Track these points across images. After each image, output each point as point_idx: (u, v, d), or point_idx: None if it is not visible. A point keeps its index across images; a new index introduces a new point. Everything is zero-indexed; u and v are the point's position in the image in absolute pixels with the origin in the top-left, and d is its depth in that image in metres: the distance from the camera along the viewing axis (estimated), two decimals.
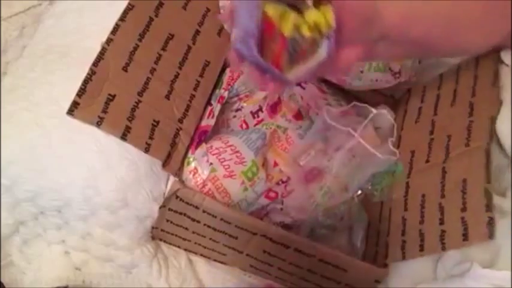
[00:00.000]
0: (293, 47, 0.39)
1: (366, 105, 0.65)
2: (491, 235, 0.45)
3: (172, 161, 0.57)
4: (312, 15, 0.38)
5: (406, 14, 0.45)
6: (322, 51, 0.39)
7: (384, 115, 0.67)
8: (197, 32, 0.64)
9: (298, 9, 0.39)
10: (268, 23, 0.37)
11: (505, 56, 0.55)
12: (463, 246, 0.48)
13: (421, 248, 0.52)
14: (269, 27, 0.37)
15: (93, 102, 0.53)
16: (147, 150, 0.55)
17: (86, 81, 0.53)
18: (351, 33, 0.40)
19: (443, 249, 0.49)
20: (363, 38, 0.42)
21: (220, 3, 0.67)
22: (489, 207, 0.47)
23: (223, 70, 0.67)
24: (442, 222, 0.51)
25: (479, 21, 0.49)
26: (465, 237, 0.47)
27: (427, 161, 0.59)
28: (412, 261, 0.55)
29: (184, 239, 0.64)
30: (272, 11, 0.37)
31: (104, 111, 0.53)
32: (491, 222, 0.46)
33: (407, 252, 0.55)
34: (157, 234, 0.63)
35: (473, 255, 0.48)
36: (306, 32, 0.38)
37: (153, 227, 0.61)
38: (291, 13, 0.38)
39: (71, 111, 0.52)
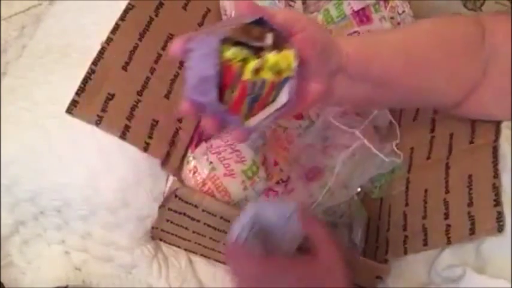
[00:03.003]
0: (253, 93, 0.36)
1: None
2: (500, 229, 0.45)
3: (171, 160, 0.57)
4: (274, 58, 0.36)
5: (362, 49, 0.44)
6: (282, 97, 0.38)
7: (383, 115, 0.66)
8: None
9: (258, 53, 0.37)
10: (228, 68, 0.35)
11: None
12: (469, 240, 0.48)
13: (425, 243, 0.52)
14: (228, 72, 0.35)
15: (92, 101, 0.53)
16: (145, 149, 0.55)
17: (85, 80, 0.53)
18: (311, 66, 0.39)
19: (449, 243, 0.49)
20: (322, 70, 0.41)
21: (220, 3, 0.67)
22: (497, 201, 0.47)
23: None
24: (447, 217, 0.51)
25: (440, 63, 0.48)
26: (472, 231, 0.48)
27: (428, 158, 0.59)
28: (407, 263, 0.55)
29: (184, 239, 0.64)
30: (230, 55, 0.35)
31: (103, 110, 0.53)
32: (499, 217, 0.46)
33: (409, 247, 0.55)
34: (157, 234, 0.63)
35: (464, 260, 0.49)
36: (268, 77, 0.36)
37: (153, 227, 0.61)
38: (252, 57, 0.36)
39: (69, 110, 0.52)
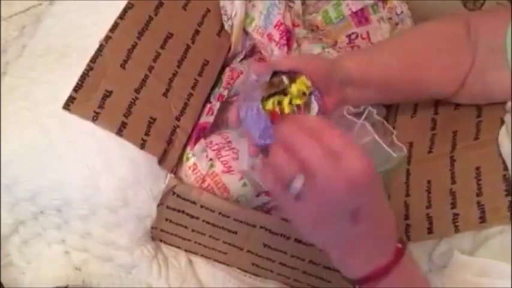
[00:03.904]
0: None
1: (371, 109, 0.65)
2: None
3: (168, 157, 0.57)
4: (295, 88, 0.49)
5: (360, 62, 0.54)
6: (314, 107, 0.50)
7: (377, 108, 0.66)
8: (196, 32, 0.64)
9: (283, 91, 0.49)
10: (273, 114, 0.48)
11: None
12: (480, 229, 0.49)
13: (430, 231, 0.53)
14: (274, 116, 0.48)
15: (89, 97, 0.54)
16: (142, 146, 0.55)
17: (83, 77, 0.54)
18: (321, 87, 0.50)
19: (457, 231, 0.50)
20: (331, 87, 0.52)
21: (221, 3, 0.68)
22: (509, 192, 0.48)
23: (222, 69, 0.67)
24: (454, 207, 0.52)
25: (432, 60, 0.56)
26: (482, 219, 0.48)
27: (430, 152, 0.59)
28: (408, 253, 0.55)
29: (184, 239, 0.64)
30: (270, 105, 0.48)
31: (100, 106, 0.54)
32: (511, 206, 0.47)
33: (412, 235, 0.55)
34: (157, 234, 0.63)
35: (459, 245, 0.49)
36: (299, 102, 0.49)
37: (152, 227, 0.61)
38: (282, 97, 0.49)
39: (67, 106, 0.52)
